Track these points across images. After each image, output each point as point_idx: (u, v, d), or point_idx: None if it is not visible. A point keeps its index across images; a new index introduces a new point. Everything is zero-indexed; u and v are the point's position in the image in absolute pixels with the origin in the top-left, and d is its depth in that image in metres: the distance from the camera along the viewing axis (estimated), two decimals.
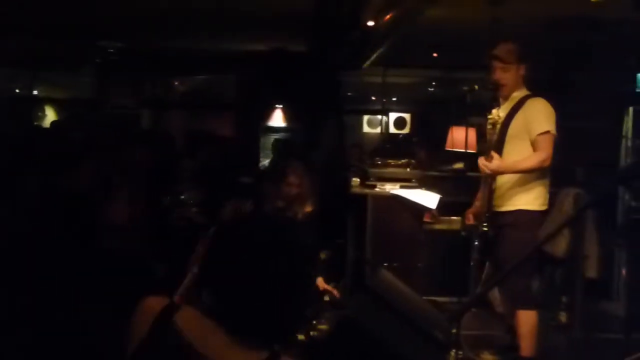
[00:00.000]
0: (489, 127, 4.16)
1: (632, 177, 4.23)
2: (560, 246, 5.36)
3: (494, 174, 4.11)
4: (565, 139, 4.26)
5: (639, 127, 7.34)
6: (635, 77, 7.26)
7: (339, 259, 4.74)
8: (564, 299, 5.61)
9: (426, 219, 5.22)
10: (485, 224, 4.13)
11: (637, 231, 5.87)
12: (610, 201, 6.40)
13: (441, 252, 5.41)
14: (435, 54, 9.04)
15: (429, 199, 4.97)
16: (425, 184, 5.41)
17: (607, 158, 7.46)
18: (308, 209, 3.58)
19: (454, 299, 4.98)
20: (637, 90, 7.26)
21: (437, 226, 5.32)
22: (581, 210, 5.18)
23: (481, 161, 4.13)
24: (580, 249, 5.70)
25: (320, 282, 3.72)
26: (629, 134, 7.46)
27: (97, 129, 6.78)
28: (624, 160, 7.49)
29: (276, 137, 10.67)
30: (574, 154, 4.09)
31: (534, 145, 4.08)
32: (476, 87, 4.41)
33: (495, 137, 4.15)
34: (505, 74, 4.18)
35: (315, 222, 3.67)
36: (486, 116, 4.22)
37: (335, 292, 3.67)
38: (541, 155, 4.02)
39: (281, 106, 11.31)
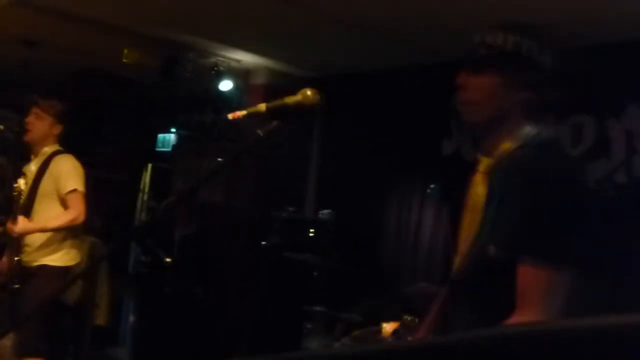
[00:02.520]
0: (15, 193, 4.07)
1: (143, 234, 4.58)
2: (72, 295, 5.43)
3: (22, 235, 4.02)
4: (86, 188, 4.37)
5: (156, 182, 7.95)
6: (156, 137, 7.85)
7: None
8: (71, 346, 5.67)
9: None
10: (15, 281, 4.02)
11: (144, 282, 6.31)
12: (122, 252, 6.76)
13: None
14: None
15: None
16: None
17: (124, 209, 7.87)
18: None
19: None
20: (157, 149, 7.84)
21: None
22: (98, 261, 5.35)
23: (8, 224, 4.01)
24: (92, 298, 5.87)
25: None
26: (146, 189, 8.02)
27: None
28: (139, 212, 8.00)
29: None
30: (93, 203, 4.22)
31: (63, 203, 4.09)
32: (2, 127, 4.28)
33: (23, 198, 4.08)
34: (37, 122, 4.16)
35: None
36: (8, 156, 4.15)
37: None
38: (72, 214, 4.06)
39: None
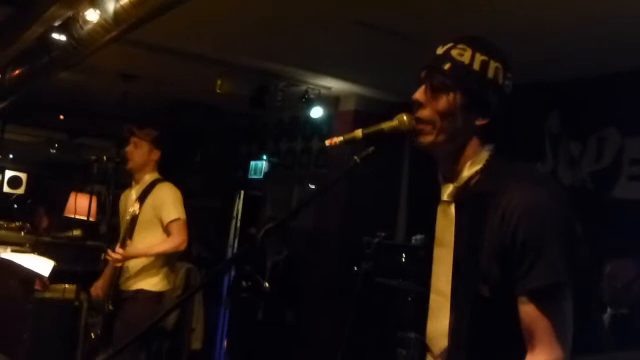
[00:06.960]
0: (126, 219, 4.23)
1: (244, 261, 4.63)
2: (170, 320, 5.56)
3: (127, 259, 4.15)
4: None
5: (247, 209, 8.09)
6: (248, 165, 7.99)
7: None
8: None
9: (37, 287, 4.99)
10: (110, 303, 4.16)
11: (237, 307, 6.40)
12: (218, 279, 6.88)
13: (50, 321, 5.16)
14: (62, 117, 8.85)
15: (41, 265, 4.78)
16: (38, 249, 5.20)
17: (217, 236, 8.03)
18: None
19: None
20: (249, 176, 7.96)
21: (48, 294, 5.10)
22: (198, 288, 5.41)
23: (110, 251, 4.13)
24: (188, 323, 6.00)
25: None
26: (239, 215, 8.17)
27: None
28: (232, 238, 8.15)
29: None
30: (189, 230, 4.32)
31: (166, 230, 4.21)
32: (105, 157, 4.45)
33: (127, 224, 4.23)
34: (136, 150, 4.31)
35: None
36: (109, 185, 4.26)
37: None
38: (175, 241, 4.17)
39: None
